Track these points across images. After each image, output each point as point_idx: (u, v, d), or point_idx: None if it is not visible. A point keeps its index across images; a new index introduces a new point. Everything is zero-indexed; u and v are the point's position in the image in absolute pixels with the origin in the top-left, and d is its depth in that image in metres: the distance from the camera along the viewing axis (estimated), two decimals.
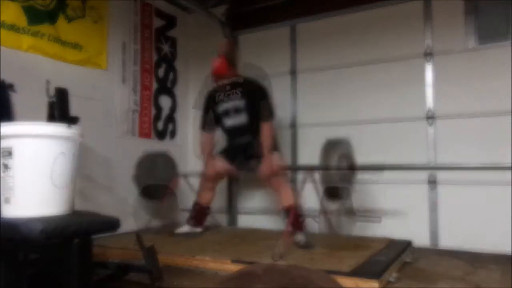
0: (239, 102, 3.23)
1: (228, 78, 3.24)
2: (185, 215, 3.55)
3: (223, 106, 3.29)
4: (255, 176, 3.25)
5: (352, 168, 2.80)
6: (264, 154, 3.09)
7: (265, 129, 3.13)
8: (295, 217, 2.90)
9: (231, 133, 3.37)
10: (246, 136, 3.26)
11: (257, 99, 3.19)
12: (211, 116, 3.35)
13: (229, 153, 3.39)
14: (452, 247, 3.20)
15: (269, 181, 3.18)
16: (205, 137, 3.38)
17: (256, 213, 4.06)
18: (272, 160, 3.08)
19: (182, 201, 3.77)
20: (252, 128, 3.21)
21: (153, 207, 3.57)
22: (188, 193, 3.74)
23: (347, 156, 2.81)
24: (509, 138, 3.13)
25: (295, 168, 4.00)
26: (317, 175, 2.84)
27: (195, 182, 3.61)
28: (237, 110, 3.24)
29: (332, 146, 2.75)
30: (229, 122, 3.31)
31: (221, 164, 3.37)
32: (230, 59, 3.25)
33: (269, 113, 3.18)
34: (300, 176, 3.99)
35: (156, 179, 3.50)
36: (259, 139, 3.15)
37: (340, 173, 2.68)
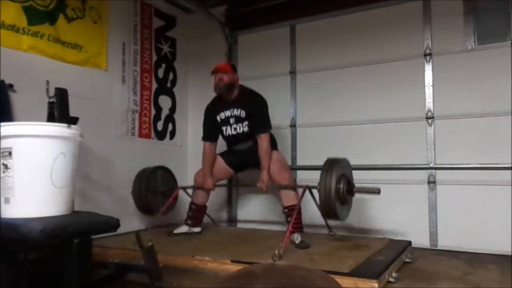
0: (240, 112, 3.22)
1: (229, 80, 3.18)
2: (183, 215, 3.55)
3: (221, 116, 3.28)
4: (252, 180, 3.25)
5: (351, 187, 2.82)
6: (262, 168, 3.11)
7: (262, 141, 3.11)
8: (296, 217, 2.91)
9: (232, 141, 3.36)
10: (248, 143, 3.26)
11: (255, 111, 3.18)
12: (213, 126, 3.33)
13: (230, 155, 3.41)
14: (452, 247, 3.21)
15: (275, 175, 3.17)
16: (207, 147, 3.35)
17: (256, 220, 4.09)
18: (268, 176, 3.08)
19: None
20: (253, 136, 3.21)
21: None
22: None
23: (346, 176, 2.82)
24: (509, 138, 3.13)
25: (294, 168, 4.00)
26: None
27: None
28: (237, 120, 3.24)
29: (332, 165, 2.76)
30: (230, 131, 3.30)
31: (217, 166, 3.38)
32: (232, 65, 3.27)
33: (265, 125, 3.16)
34: (299, 175, 4.03)
35: (156, 193, 3.51)
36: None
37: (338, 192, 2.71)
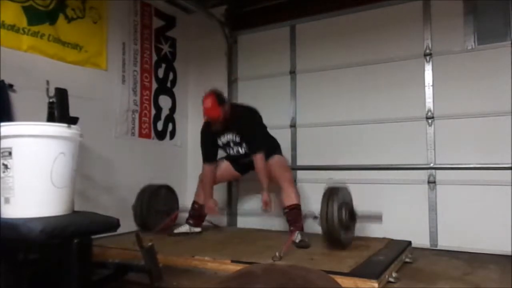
0: (235, 137, 3.28)
1: (221, 119, 3.15)
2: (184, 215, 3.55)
3: (222, 140, 3.34)
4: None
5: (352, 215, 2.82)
6: (262, 189, 3.12)
7: (257, 162, 3.15)
8: (296, 217, 2.91)
9: (234, 158, 3.42)
10: (251, 157, 3.27)
11: (247, 132, 3.23)
12: (213, 148, 3.38)
13: (235, 163, 3.45)
14: (451, 247, 3.21)
15: (276, 177, 3.18)
16: (207, 169, 3.38)
17: (255, 215, 4.07)
18: (268, 196, 3.09)
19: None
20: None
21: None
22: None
23: (347, 203, 2.82)
24: (509, 138, 3.13)
25: (294, 168, 4.00)
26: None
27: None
28: (235, 144, 3.31)
29: (332, 193, 2.76)
30: (232, 151, 3.37)
31: (224, 169, 3.41)
32: (219, 97, 3.14)
33: (258, 145, 3.20)
34: (299, 175, 4.03)
35: (157, 212, 3.49)
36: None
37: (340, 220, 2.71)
